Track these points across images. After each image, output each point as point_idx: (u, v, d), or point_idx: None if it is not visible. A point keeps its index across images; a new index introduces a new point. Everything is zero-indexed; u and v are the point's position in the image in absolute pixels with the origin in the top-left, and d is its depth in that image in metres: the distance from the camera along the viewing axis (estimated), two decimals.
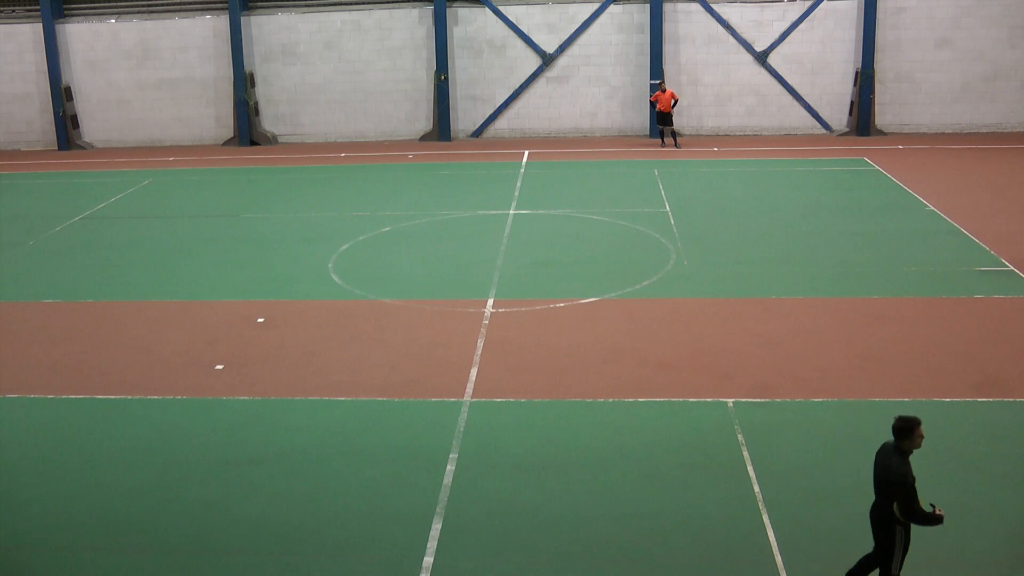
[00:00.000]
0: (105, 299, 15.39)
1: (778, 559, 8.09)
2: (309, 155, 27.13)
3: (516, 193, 21.41)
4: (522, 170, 23.94)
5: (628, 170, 23.68)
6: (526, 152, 26.26)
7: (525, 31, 27.86)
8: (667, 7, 27.28)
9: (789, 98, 27.66)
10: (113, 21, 28.90)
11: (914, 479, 6.90)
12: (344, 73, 28.65)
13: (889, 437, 7.20)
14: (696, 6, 27.33)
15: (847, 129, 27.60)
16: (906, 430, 6.96)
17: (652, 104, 26.26)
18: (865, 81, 26.98)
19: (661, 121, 25.89)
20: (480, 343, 12.89)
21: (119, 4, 28.98)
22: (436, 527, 8.67)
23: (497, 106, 28.41)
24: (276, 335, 13.48)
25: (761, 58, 27.42)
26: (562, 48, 27.91)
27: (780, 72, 27.51)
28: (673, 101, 25.45)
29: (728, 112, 27.95)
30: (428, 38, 28.08)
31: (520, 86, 28.21)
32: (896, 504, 6.92)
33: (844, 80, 27.44)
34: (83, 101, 29.35)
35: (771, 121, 27.88)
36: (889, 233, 17.53)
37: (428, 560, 8.22)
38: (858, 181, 21.93)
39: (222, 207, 21.47)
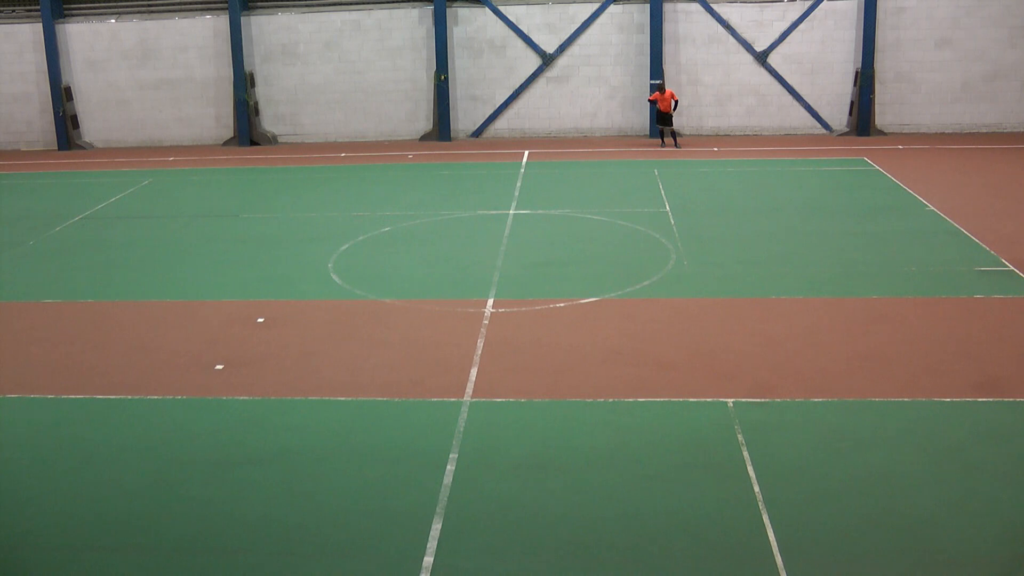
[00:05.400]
0: (105, 299, 15.39)
1: (778, 559, 8.09)
2: (309, 155, 27.13)
3: (516, 193, 21.41)
4: (522, 170, 23.94)
5: (628, 170, 23.69)
6: (526, 152, 26.26)
7: (525, 31, 27.87)
8: (667, 7, 27.28)
9: (789, 98, 27.67)
10: (113, 21, 28.90)
11: None
12: (344, 73, 28.66)
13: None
14: (696, 6, 27.34)
15: (847, 129, 27.60)
16: None
17: (652, 104, 26.27)
18: (865, 81, 26.99)
19: (661, 121, 25.89)
20: (480, 343, 12.89)
21: (119, 4, 28.98)
22: (436, 527, 8.67)
23: (497, 106, 28.41)
24: (276, 335, 13.48)
25: (761, 58, 27.43)
26: (562, 48, 27.91)
27: (780, 72, 27.52)
28: (674, 103, 25.44)
29: (728, 112, 27.95)
30: (428, 38, 28.08)
31: (520, 86, 28.21)
32: None
33: (844, 80, 27.45)
34: (83, 101, 29.36)
35: (771, 121, 27.89)
36: (889, 233, 17.53)
37: (428, 560, 8.22)
38: (858, 181, 21.93)
39: (222, 207, 21.47)
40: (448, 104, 28.14)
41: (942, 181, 21.57)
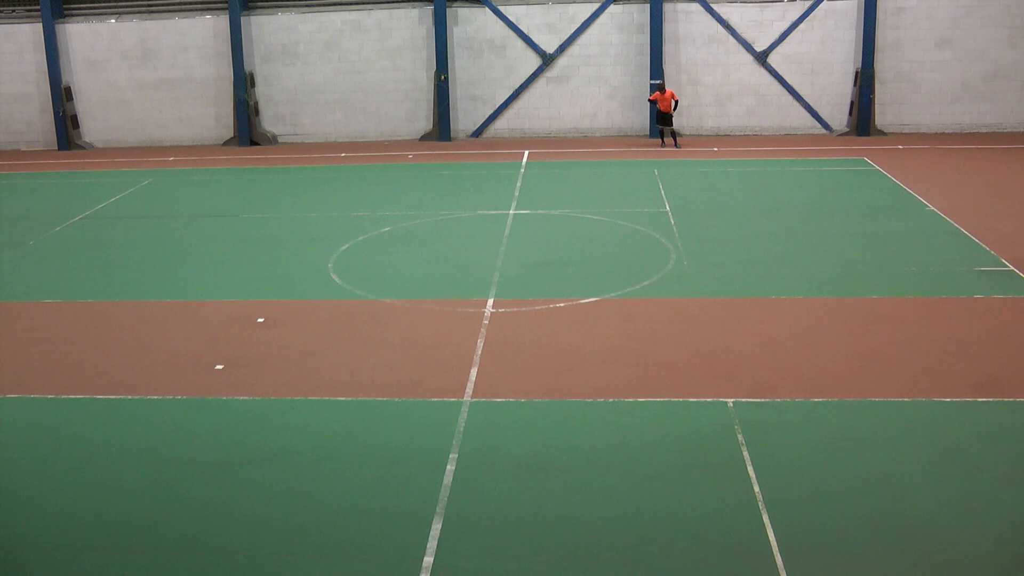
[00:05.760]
0: (105, 299, 15.39)
1: (778, 559, 8.09)
2: (309, 155, 27.14)
3: (516, 193, 21.41)
4: (522, 170, 23.94)
5: (628, 170, 23.69)
6: (526, 152, 26.26)
7: (525, 31, 27.87)
8: (667, 7, 27.28)
9: (789, 98, 27.67)
10: (113, 21, 28.90)
11: None
12: (344, 73, 28.66)
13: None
14: (696, 6, 27.34)
15: (847, 129, 27.60)
16: None
17: (652, 103, 26.26)
18: (865, 81, 26.99)
19: (661, 121, 25.89)
20: (480, 343, 12.89)
21: (119, 4, 28.98)
22: (436, 527, 8.67)
23: (497, 106, 28.41)
24: (276, 335, 13.48)
25: (761, 58, 27.43)
26: (562, 48, 27.91)
27: (780, 72, 27.52)
28: (674, 103, 25.44)
29: (728, 112, 27.95)
30: (428, 38, 28.08)
31: (520, 86, 28.21)
32: None
33: (844, 80, 27.45)
34: (83, 101, 29.36)
35: (771, 121, 27.88)
36: (889, 233, 17.53)
37: (428, 560, 8.22)
38: (858, 181, 21.94)
39: (222, 207, 21.47)
40: (448, 104, 28.14)
41: (942, 181, 21.57)
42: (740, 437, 10.11)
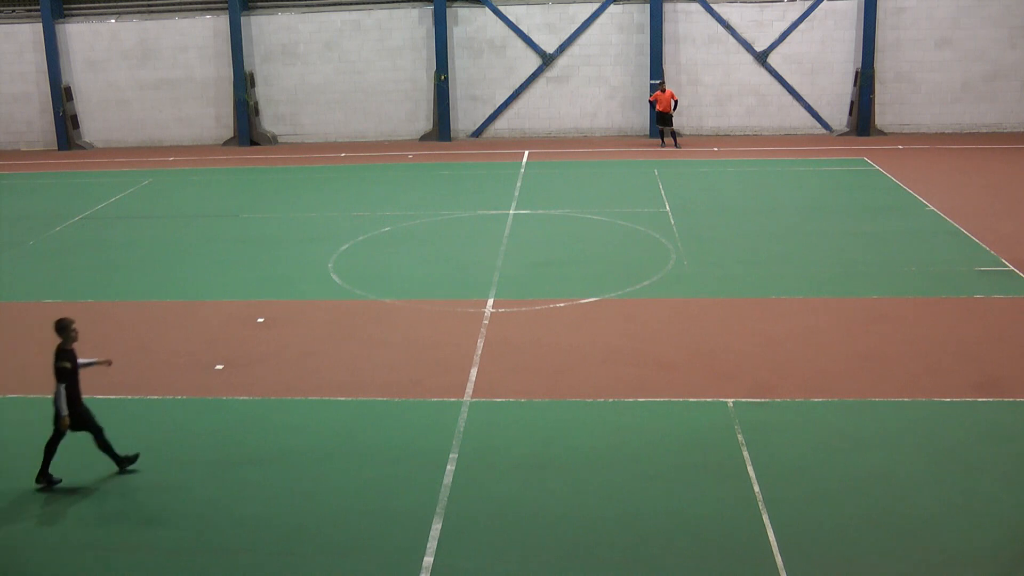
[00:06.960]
0: (105, 299, 15.39)
1: (778, 559, 8.09)
2: (309, 155, 27.13)
3: (516, 193, 21.41)
4: (522, 170, 23.94)
5: (628, 170, 23.68)
6: (526, 152, 26.26)
7: (525, 31, 27.86)
8: (667, 7, 27.27)
9: (789, 98, 27.66)
10: (113, 21, 28.90)
11: None
12: (344, 73, 28.65)
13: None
14: (696, 6, 27.33)
15: (847, 129, 27.60)
16: None
17: (652, 104, 26.26)
18: (865, 81, 26.98)
19: (661, 121, 25.89)
20: (480, 343, 12.89)
21: (119, 4, 28.98)
22: (436, 527, 8.67)
23: (497, 106, 28.41)
24: (276, 335, 13.48)
25: (761, 58, 27.42)
26: (562, 48, 27.91)
27: (780, 72, 27.51)
28: (674, 103, 25.44)
29: (728, 112, 27.94)
30: (428, 38, 28.08)
31: (520, 86, 28.21)
32: None
33: (844, 80, 27.44)
34: (83, 101, 29.35)
35: (771, 121, 27.88)
36: (889, 233, 17.53)
37: (428, 560, 8.22)
38: (858, 181, 21.93)
39: (222, 207, 21.47)
40: (448, 104, 28.13)
41: (942, 181, 21.57)
42: (740, 437, 10.11)
